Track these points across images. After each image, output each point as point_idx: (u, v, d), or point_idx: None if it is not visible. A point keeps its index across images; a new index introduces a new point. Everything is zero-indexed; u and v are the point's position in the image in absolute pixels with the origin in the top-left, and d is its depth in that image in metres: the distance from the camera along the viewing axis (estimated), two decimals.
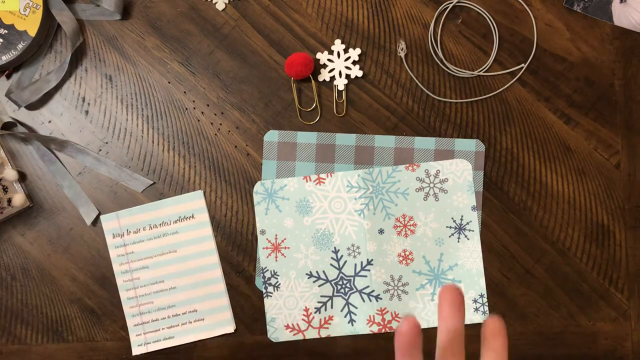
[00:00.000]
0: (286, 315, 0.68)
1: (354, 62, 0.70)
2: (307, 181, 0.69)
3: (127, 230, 0.70)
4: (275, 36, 0.71)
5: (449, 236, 0.68)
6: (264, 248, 0.69)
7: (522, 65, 0.70)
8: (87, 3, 0.72)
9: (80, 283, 0.70)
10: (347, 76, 0.70)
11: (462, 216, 0.69)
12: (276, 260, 0.69)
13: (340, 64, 0.70)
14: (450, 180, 0.69)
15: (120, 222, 0.70)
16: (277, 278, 0.69)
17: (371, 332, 0.68)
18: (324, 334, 0.68)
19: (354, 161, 0.69)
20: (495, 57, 0.70)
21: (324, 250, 0.68)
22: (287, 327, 0.68)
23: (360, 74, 0.70)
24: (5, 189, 0.69)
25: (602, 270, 0.69)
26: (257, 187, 0.69)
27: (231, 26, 0.71)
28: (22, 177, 0.71)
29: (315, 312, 0.68)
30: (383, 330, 0.68)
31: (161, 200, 0.70)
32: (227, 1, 0.72)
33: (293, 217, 0.69)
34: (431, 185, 0.69)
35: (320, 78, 0.70)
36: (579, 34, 0.71)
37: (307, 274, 0.69)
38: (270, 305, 0.69)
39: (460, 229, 0.69)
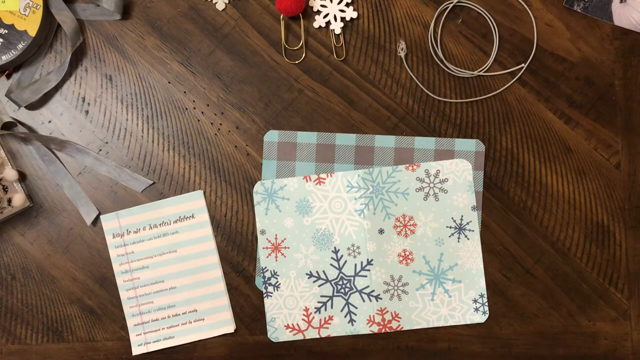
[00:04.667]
0: (286, 315, 0.68)
1: (347, 5, 0.70)
2: (307, 181, 0.69)
3: (127, 230, 0.70)
4: (275, 36, 0.71)
5: (449, 236, 0.68)
6: (264, 248, 0.69)
7: (522, 65, 0.70)
8: (87, 3, 0.72)
9: (80, 283, 0.70)
10: (343, 19, 0.70)
11: (462, 216, 0.68)
12: (276, 260, 0.69)
13: (334, 8, 0.70)
14: (450, 180, 0.69)
15: (120, 222, 0.70)
16: (277, 278, 0.69)
17: (371, 332, 0.68)
18: (324, 334, 0.68)
19: (354, 161, 0.69)
20: (495, 57, 0.71)
21: (324, 250, 0.68)
22: (287, 327, 0.68)
23: (355, 15, 0.70)
24: (5, 189, 0.69)
25: (602, 270, 0.69)
26: (257, 187, 0.69)
27: (231, 26, 0.71)
28: (22, 177, 0.71)
29: (315, 312, 0.68)
30: (383, 330, 0.68)
31: (161, 200, 0.70)
32: (227, 1, 0.72)
33: (293, 217, 0.69)
34: (431, 185, 0.69)
35: (316, 25, 0.71)
36: (579, 34, 0.71)
37: (307, 274, 0.69)
38: (270, 305, 0.69)
39: (460, 229, 0.68)
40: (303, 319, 0.68)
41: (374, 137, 0.69)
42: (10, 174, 0.69)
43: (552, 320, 0.69)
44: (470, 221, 0.68)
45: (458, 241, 0.68)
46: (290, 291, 0.68)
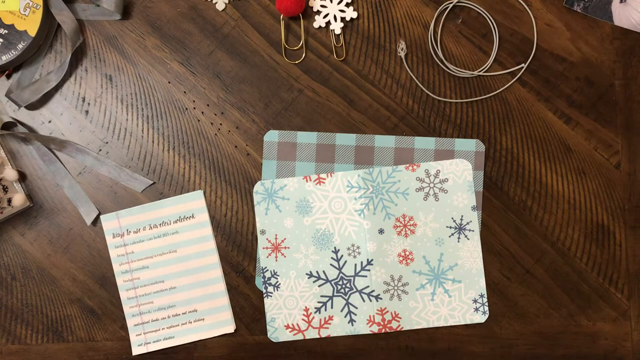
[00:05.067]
0: (286, 315, 0.68)
1: (347, 5, 0.71)
2: (307, 181, 0.69)
3: (127, 230, 0.70)
4: (275, 36, 0.71)
5: (449, 236, 0.68)
6: (264, 248, 0.69)
7: (522, 65, 0.70)
8: (87, 3, 0.72)
9: (80, 283, 0.70)
10: (343, 19, 0.70)
11: (462, 216, 0.68)
12: (276, 260, 0.69)
13: (334, 8, 0.70)
14: (450, 180, 0.69)
15: (120, 222, 0.70)
16: (277, 278, 0.69)
17: (371, 332, 0.68)
18: (324, 334, 0.68)
19: (354, 161, 0.69)
20: (495, 57, 0.71)
21: (324, 250, 0.68)
22: (287, 327, 0.68)
23: (355, 15, 0.70)
24: (5, 189, 0.69)
25: (602, 270, 0.69)
26: (257, 187, 0.69)
27: (231, 26, 0.71)
28: (22, 177, 0.71)
29: (315, 312, 0.68)
30: (383, 330, 0.68)
31: (161, 200, 0.70)
32: (227, 1, 0.72)
33: (293, 217, 0.69)
34: (431, 185, 0.69)
35: (316, 25, 0.71)
36: (579, 34, 0.71)
37: (307, 274, 0.69)
38: (270, 305, 0.69)
39: (460, 229, 0.68)
40: (303, 319, 0.68)
41: (374, 137, 0.69)
42: (10, 174, 0.69)
43: (552, 320, 0.69)
44: (470, 221, 0.68)
45: (458, 241, 0.68)
46: (290, 291, 0.68)
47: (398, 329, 0.68)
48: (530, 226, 0.70)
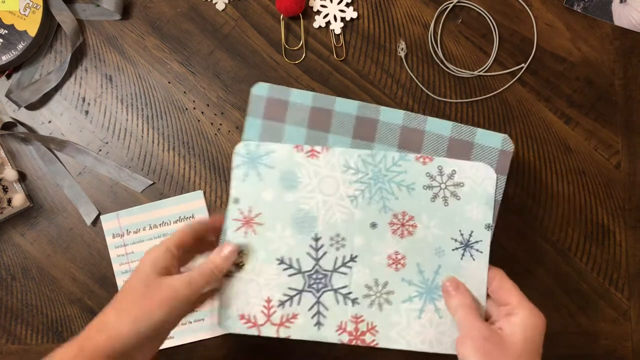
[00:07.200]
0: (244, 303, 0.57)
1: (347, 5, 0.71)
2: (298, 151, 0.58)
3: (127, 230, 0.70)
4: (275, 36, 0.71)
5: (452, 249, 0.57)
6: (234, 219, 0.58)
7: (522, 65, 0.70)
8: (87, 3, 0.72)
9: (80, 283, 0.70)
10: (343, 19, 0.71)
11: (472, 232, 0.57)
12: (245, 236, 0.57)
13: (334, 8, 0.71)
14: (467, 187, 0.57)
15: (120, 222, 0.70)
16: (242, 256, 0.57)
17: (340, 342, 0.57)
18: (283, 333, 0.57)
19: (352, 134, 0.58)
20: (495, 57, 0.71)
21: (303, 234, 0.57)
22: (242, 317, 0.57)
23: (355, 15, 0.70)
24: (5, 189, 0.69)
25: (602, 270, 0.69)
26: (239, 148, 0.58)
27: (231, 26, 0.71)
28: (22, 177, 0.71)
29: (279, 306, 0.57)
30: (354, 342, 0.57)
31: (161, 200, 0.70)
32: (227, 1, 0.72)
33: (275, 189, 0.57)
34: (442, 186, 0.58)
35: (316, 25, 0.71)
36: (579, 34, 0.71)
37: (277, 259, 0.57)
38: (229, 287, 0.57)
39: (466, 245, 0.57)
40: (262, 312, 0.57)
41: (379, 108, 0.58)
42: (10, 174, 0.69)
43: (552, 320, 0.69)
44: (481, 240, 0.57)
45: (461, 258, 0.57)
46: (255, 275, 0.57)
47: (372, 344, 0.57)
48: (530, 226, 0.69)
